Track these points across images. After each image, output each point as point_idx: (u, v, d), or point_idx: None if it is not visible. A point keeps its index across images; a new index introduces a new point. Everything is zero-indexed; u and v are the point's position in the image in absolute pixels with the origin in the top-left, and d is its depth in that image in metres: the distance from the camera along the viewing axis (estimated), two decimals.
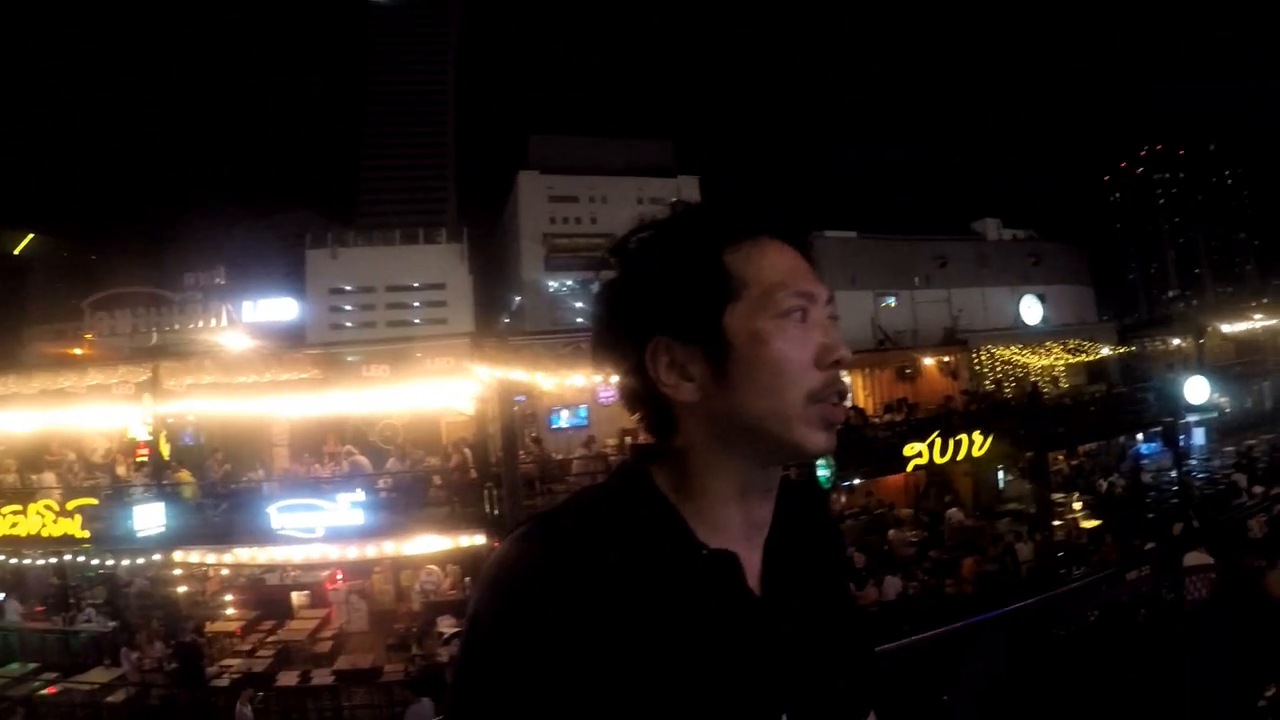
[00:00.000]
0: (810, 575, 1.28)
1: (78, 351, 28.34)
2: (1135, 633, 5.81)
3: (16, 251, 78.14)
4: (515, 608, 1.04)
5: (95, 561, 17.39)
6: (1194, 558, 9.97)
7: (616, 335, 1.20)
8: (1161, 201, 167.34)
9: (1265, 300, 47.96)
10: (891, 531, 21.54)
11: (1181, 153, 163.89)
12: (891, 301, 42.98)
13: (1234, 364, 37.00)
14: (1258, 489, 20.54)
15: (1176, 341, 38.54)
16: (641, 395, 1.19)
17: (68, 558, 17.20)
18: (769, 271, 1.16)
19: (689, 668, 1.06)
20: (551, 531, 1.11)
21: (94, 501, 16.78)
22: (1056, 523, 22.22)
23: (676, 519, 1.15)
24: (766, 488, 1.23)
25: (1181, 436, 26.65)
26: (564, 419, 23.06)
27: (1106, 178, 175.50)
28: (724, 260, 1.16)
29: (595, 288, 1.25)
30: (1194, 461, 28.25)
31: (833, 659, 1.25)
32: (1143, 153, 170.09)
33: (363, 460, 17.87)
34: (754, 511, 1.22)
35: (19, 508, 16.49)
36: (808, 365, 1.14)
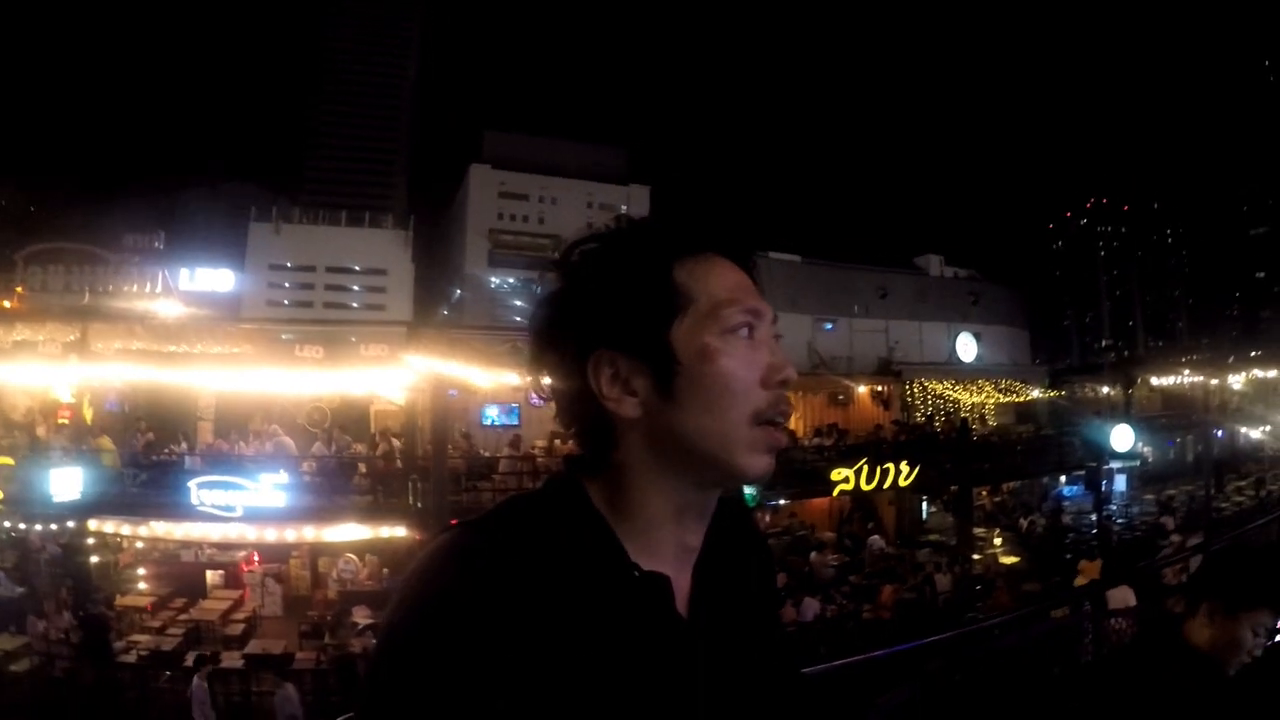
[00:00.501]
0: (738, 598, 1.26)
1: (6, 304, 27.63)
2: (1054, 670, 5.87)
3: None
4: (437, 616, 1.00)
5: (7, 524, 17.00)
6: (1119, 596, 10.10)
7: (559, 345, 1.16)
8: (1102, 254, 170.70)
9: (1194, 357, 49.15)
10: (813, 554, 21.68)
11: (1125, 208, 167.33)
12: (829, 327, 43.31)
13: (1159, 416, 37.93)
14: (1175, 537, 20.95)
15: (1106, 390, 39.38)
16: (580, 408, 1.16)
17: None
18: (717, 287, 1.15)
19: (611, 689, 1.04)
20: (480, 540, 1.07)
21: (10, 461, 16.42)
22: (976, 556, 22.58)
23: (610, 537, 1.12)
24: (702, 512, 1.21)
25: (1104, 482, 27.15)
26: (495, 416, 22.95)
27: (1050, 225, 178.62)
28: (673, 274, 1.14)
29: (538, 292, 1.22)
30: (1114, 507, 28.84)
31: (756, 683, 1.23)
32: (1088, 204, 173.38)
33: (288, 441, 17.67)
34: (687, 536, 1.19)
35: None
36: (754, 384, 1.12)
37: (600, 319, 1.13)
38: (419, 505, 15.86)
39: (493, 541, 1.07)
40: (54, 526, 16.48)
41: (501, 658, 0.99)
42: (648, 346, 1.11)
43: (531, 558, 1.05)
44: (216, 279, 39.13)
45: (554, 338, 1.17)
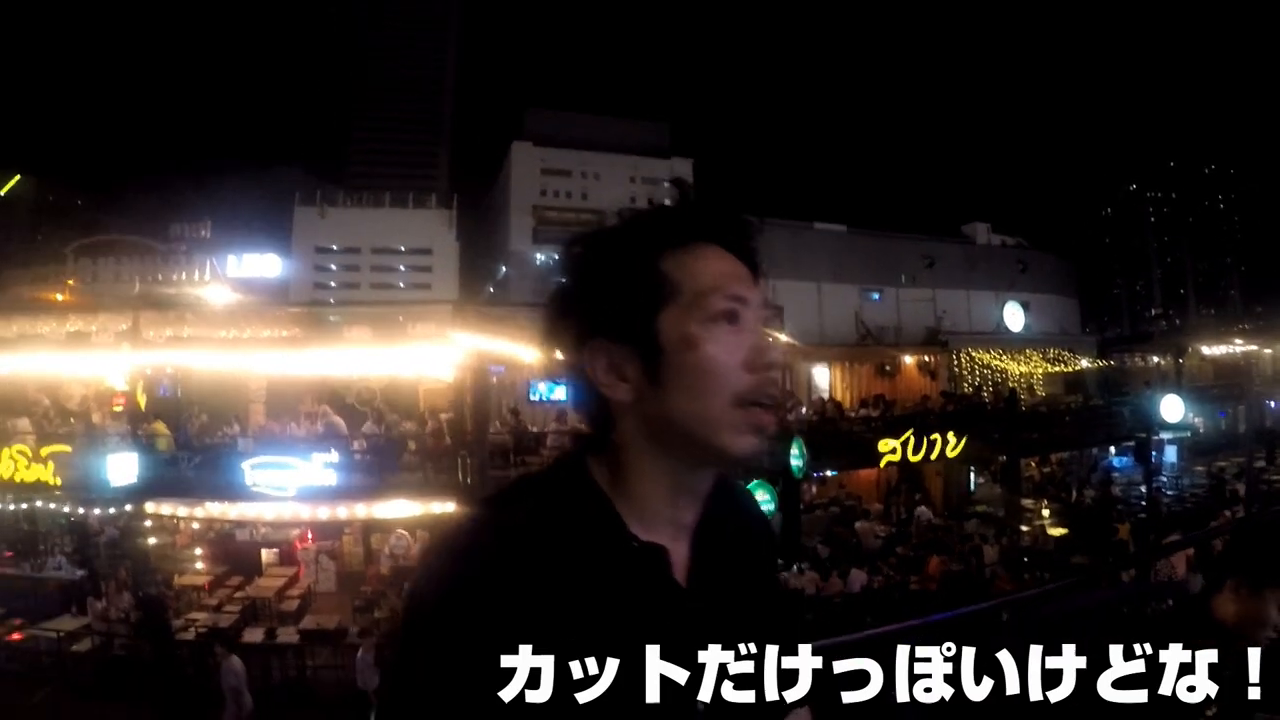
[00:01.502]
0: (737, 569, 1.35)
1: (59, 297, 28.07)
2: (1095, 641, 5.81)
3: (2, 193, 77.11)
4: (453, 587, 1.12)
5: (66, 509, 17.34)
6: (1179, 561, 9.86)
7: (562, 336, 1.26)
8: (1152, 220, 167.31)
9: (1246, 326, 48.19)
10: (859, 523, 21.66)
11: (1176, 173, 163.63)
12: (876, 297, 43.04)
13: (1211, 386, 37.22)
14: (1227, 512, 20.60)
15: (1156, 359, 38.83)
16: (583, 392, 1.26)
17: (39, 504, 17.18)
18: (702, 276, 1.22)
19: (616, 651, 1.13)
20: (492, 517, 1.20)
21: (67, 449, 16.67)
22: (1024, 528, 22.39)
23: (610, 511, 1.21)
24: (695, 492, 1.29)
25: (1154, 453, 26.81)
26: (542, 391, 23.01)
27: (1099, 191, 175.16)
28: (660, 266, 1.22)
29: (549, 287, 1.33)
30: (1164, 478, 28.43)
31: (754, 652, 1.30)
32: (1137, 168, 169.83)
33: (338, 421, 17.84)
34: (681, 513, 1.28)
35: None
36: (737, 368, 1.20)
37: (594, 310, 1.22)
38: (468, 481, 16.00)
39: (504, 517, 1.18)
40: (112, 510, 16.76)
41: (512, 622, 1.09)
42: (636, 335, 1.21)
43: (539, 531, 1.15)
44: (264, 264, 39.55)
45: (557, 329, 1.27)
